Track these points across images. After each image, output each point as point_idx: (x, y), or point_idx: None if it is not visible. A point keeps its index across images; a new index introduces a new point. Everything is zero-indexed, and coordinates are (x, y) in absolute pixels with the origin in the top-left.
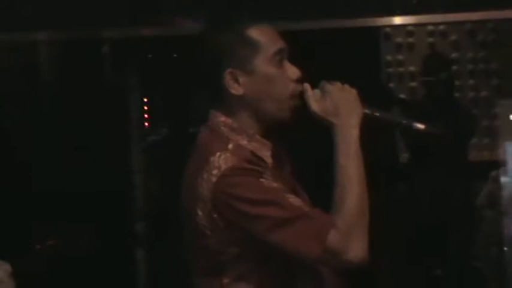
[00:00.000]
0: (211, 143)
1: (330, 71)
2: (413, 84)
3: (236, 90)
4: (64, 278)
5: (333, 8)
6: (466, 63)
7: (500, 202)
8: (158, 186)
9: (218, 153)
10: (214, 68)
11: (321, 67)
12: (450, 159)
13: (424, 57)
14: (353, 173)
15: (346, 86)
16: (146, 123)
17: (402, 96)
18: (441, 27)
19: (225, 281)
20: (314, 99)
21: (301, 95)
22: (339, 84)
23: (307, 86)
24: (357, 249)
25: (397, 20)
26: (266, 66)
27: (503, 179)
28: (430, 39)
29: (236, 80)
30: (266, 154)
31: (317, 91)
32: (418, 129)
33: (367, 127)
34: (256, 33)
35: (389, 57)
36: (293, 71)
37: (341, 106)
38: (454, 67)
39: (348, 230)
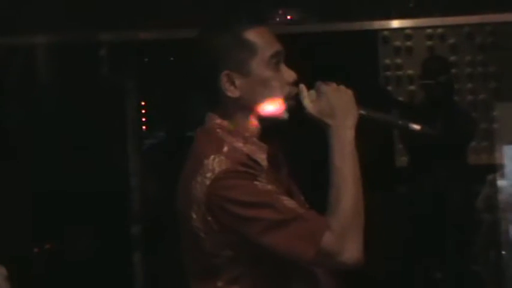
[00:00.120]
0: (206, 146)
1: (328, 74)
2: (412, 87)
3: (232, 92)
4: (61, 281)
5: (332, 11)
6: (464, 66)
7: (498, 205)
8: (156, 189)
9: (212, 156)
10: (211, 71)
11: (320, 70)
12: (449, 162)
13: (423, 60)
14: (348, 174)
15: (342, 87)
16: (144, 126)
17: (401, 99)
18: (439, 30)
19: (219, 284)
20: (309, 100)
21: (297, 96)
22: (334, 85)
23: (302, 86)
24: (352, 250)
25: (395, 23)
26: (263, 69)
27: (501, 182)
28: (429, 43)
29: (232, 83)
30: (261, 157)
31: (312, 92)
32: (414, 130)
33: (366, 129)
34: (253, 35)
35: (387, 61)
36: (289, 74)
37: (337, 107)
38: (453, 70)
39: (343, 232)
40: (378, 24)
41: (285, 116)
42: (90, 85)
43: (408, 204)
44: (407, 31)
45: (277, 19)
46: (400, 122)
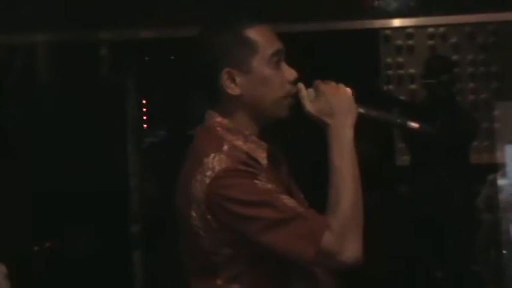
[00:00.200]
0: (206, 144)
1: (330, 73)
2: (413, 86)
3: (233, 90)
4: (61, 279)
5: (333, 9)
6: (466, 65)
7: (499, 205)
8: (156, 187)
9: (212, 155)
10: (212, 68)
11: (321, 69)
12: (451, 161)
13: (426, 59)
14: (347, 174)
15: (341, 86)
16: (145, 125)
17: (402, 98)
18: (441, 29)
19: (219, 282)
20: (308, 99)
21: (296, 95)
22: (333, 83)
23: (301, 85)
24: (351, 250)
25: (397, 22)
26: (263, 67)
27: (502, 182)
28: (430, 42)
29: (233, 80)
30: (261, 155)
31: (311, 91)
32: (412, 128)
33: (366, 128)
34: (254, 33)
35: (389, 60)
36: (290, 73)
37: (336, 106)
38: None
39: (343, 231)
40: (380, 23)
41: (285, 114)
42: (90, 84)
43: (409, 203)
44: (409, 30)
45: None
46: (398, 121)
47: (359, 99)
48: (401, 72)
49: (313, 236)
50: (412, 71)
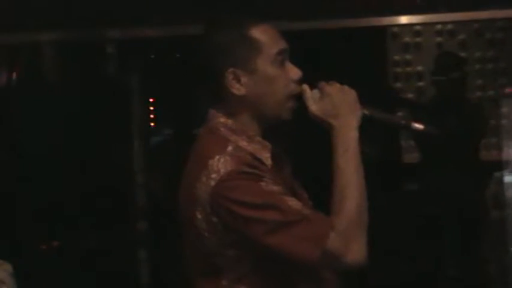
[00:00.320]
0: (210, 146)
1: (337, 71)
2: (421, 83)
3: (238, 90)
4: (68, 277)
5: (340, 7)
6: (473, 62)
7: (506, 202)
8: (163, 186)
9: (217, 157)
10: (216, 68)
11: (328, 67)
12: (461, 159)
13: (435, 56)
14: (352, 175)
15: (346, 87)
16: (151, 123)
17: (410, 96)
18: (449, 26)
19: (224, 282)
20: (313, 101)
21: (300, 96)
22: (337, 84)
23: (305, 87)
24: (356, 251)
25: (405, 20)
26: (268, 66)
27: (509, 179)
28: (438, 39)
29: (238, 80)
30: (266, 156)
31: (316, 92)
32: (417, 129)
33: (372, 126)
34: (259, 33)
35: (396, 57)
36: (295, 72)
37: (340, 107)
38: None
39: (347, 233)
40: (387, 21)
41: (288, 116)
42: (96, 82)
43: (417, 201)
44: (417, 27)
45: None
46: (403, 122)
47: (365, 98)
48: (409, 69)
49: (318, 238)
50: (420, 68)
